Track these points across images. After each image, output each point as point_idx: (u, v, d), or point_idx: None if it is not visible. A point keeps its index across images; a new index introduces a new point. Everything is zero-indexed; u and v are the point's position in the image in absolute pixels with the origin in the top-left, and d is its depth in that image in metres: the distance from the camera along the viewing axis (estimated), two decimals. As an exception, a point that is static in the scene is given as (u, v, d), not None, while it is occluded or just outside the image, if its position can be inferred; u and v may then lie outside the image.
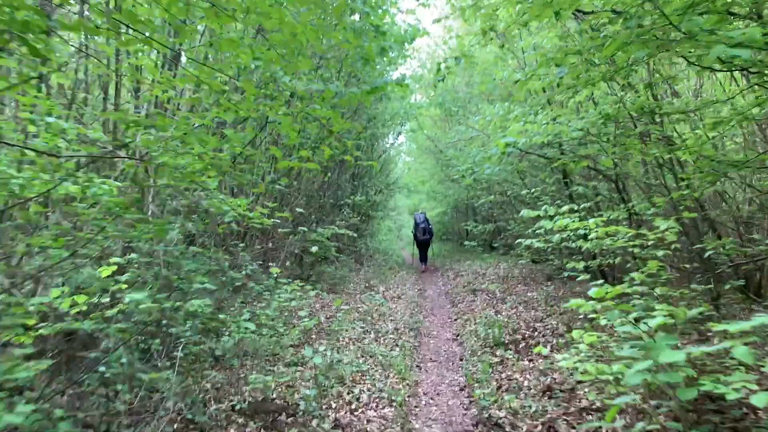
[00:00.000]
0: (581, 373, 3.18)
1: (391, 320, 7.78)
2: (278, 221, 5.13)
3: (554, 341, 6.11)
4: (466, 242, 18.16)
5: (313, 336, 6.36)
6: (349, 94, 5.47)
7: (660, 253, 3.67)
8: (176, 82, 3.30)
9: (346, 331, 6.78)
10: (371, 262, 14.10)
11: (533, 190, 7.64)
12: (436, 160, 19.20)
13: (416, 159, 23.91)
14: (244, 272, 5.42)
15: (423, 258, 15.51)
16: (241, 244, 6.30)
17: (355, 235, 11.26)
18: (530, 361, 5.59)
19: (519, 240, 7.77)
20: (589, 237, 6.44)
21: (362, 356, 5.80)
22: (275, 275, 5.20)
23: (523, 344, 6.20)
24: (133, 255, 3.18)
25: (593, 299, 2.47)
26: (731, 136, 6.19)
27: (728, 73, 6.33)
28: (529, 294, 9.33)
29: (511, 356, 5.77)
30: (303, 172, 9.67)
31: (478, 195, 13.75)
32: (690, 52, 2.81)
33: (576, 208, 5.33)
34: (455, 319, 8.24)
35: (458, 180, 15.03)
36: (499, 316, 7.82)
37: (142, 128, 2.63)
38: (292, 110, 3.50)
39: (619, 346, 3.12)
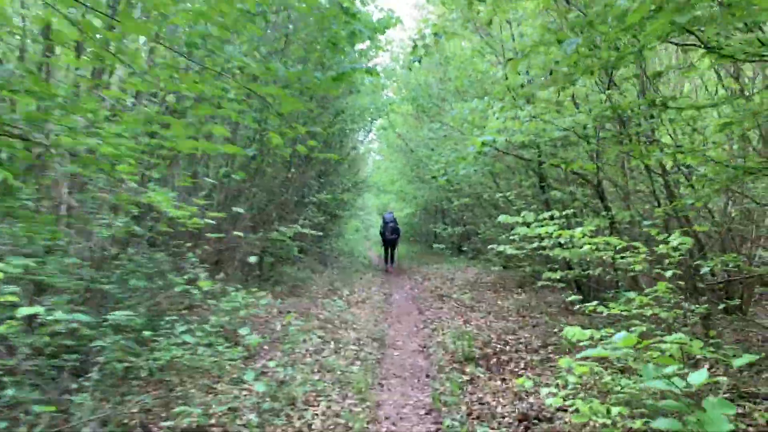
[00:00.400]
0: (572, 413, 2.69)
1: (354, 329, 7.22)
2: (213, 222, 4.51)
3: (528, 358, 5.64)
4: (435, 245, 17.76)
5: (266, 347, 5.76)
6: (313, 79, 4.91)
7: (668, 273, 3.23)
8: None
9: (303, 341, 6.20)
10: (336, 264, 13.52)
11: (508, 193, 7.18)
12: (406, 159, 18.72)
13: (386, 158, 23.40)
14: (186, 276, 4.78)
15: (389, 257, 15.54)
16: (188, 244, 5.65)
17: (321, 234, 10.66)
18: (503, 380, 5.10)
19: (491, 246, 7.32)
20: (566, 246, 6.01)
21: (318, 372, 5.23)
22: (205, 289, 4.54)
23: (494, 360, 5.72)
24: (27, 261, 2.56)
25: (620, 347, 1.96)
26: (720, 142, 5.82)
27: (716, 74, 5.97)
28: (499, 302, 8.90)
29: (482, 374, 5.27)
30: (265, 165, 9.03)
31: (449, 197, 13.31)
32: (717, 34, 2.36)
33: (557, 214, 4.87)
34: (422, 328, 7.73)
35: (429, 180, 14.56)
36: (468, 326, 7.34)
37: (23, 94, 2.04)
38: (225, 84, 2.91)
39: (615, 379, 2.65)
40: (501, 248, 6.96)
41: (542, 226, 5.15)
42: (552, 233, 4.19)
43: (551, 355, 5.55)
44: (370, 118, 13.97)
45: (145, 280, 4.39)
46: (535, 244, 7.45)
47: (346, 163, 16.46)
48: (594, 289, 7.46)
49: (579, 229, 3.90)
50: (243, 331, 4.45)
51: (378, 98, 11.95)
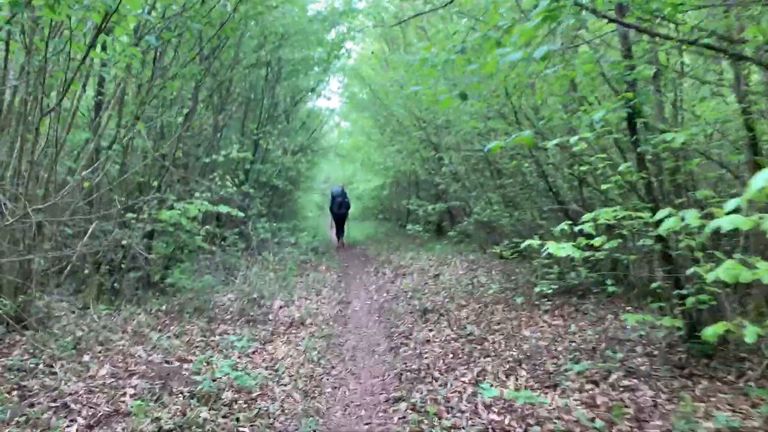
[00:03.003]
0: None
1: (249, 415, 3.47)
2: None
3: None
4: (409, 226, 14.08)
5: None
6: None
7: None
8: None
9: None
10: (275, 255, 9.65)
11: (574, 140, 3.50)
12: (374, 119, 14.92)
13: (349, 117, 19.54)
14: None
15: (339, 233, 14.30)
16: None
17: (242, 214, 6.81)
18: None
19: (530, 240, 3.70)
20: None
21: None
22: None
23: None
24: None
25: None
26: None
27: None
28: (525, 333, 5.26)
29: None
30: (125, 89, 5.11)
31: (435, 158, 9.64)
32: None
33: None
34: (397, 401, 4.03)
35: (405, 135, 10.75)
36: (485, 402, 3.70)
37: None
38: None
39: None
40: (556, 249, 3.35)
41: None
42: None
43: None
44: (326, 51, 10.07)
45: None
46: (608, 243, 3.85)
47: (295, 115, 12.57)
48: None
49: None
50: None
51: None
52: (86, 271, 6.02)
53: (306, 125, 14.42)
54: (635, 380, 3.72)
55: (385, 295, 8.04)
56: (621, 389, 3.62)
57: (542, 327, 5.43)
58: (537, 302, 6.33)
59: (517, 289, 7.11)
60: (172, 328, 5.18)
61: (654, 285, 3.66)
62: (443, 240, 12.72)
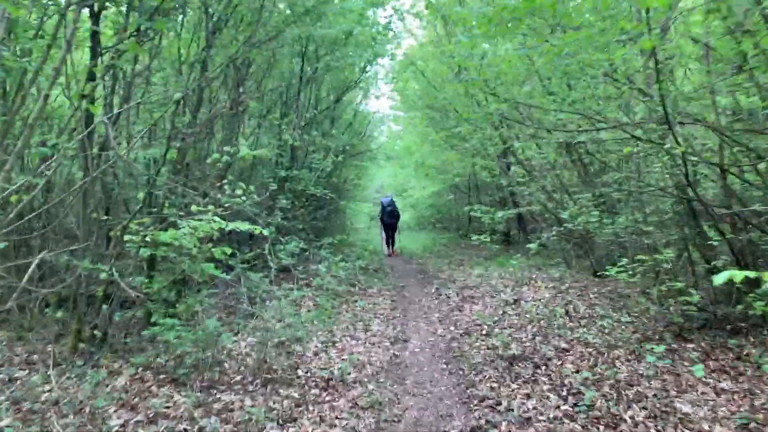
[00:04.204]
0: None
1: None
2: None
3: None
4: (473, 236, 12.23)
5: None
6: None
7: None
8: None
9: None
10: (305, 282, 7.97)
11: None
12: (429, 117, 13.25)
13: (400, 120, 17.89)
14: None
15: (390, 241, 13.71)
16: None
17: (266, 232, 5.19)
18: None
19: (744, 271, 1.85)
20: None
21: None
22: None
23: None
24: None
25: None
26: None
27: None
28: (682, 406, 3.36)
29: None
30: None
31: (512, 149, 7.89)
32: None
33: None
34: None
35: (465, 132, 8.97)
36: None
37: None
38: None
39: None
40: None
41: None
42: None
43: None
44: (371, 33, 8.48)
45: None
46: None
47: (338, 114, 11.01)
48: None
49: None
50: None
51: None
52: (55, 314, 4.56)
53: (353, 126, 12.84)
54: None
55: (452, 328, 6.26)
56: None
57: (703, 393, 3.52)
58: (676, 346, 4.40)
59: (635, 323, 5.20)
60: (153, 401, 3.59)
61: None
62: (513, 251, 10.85)
